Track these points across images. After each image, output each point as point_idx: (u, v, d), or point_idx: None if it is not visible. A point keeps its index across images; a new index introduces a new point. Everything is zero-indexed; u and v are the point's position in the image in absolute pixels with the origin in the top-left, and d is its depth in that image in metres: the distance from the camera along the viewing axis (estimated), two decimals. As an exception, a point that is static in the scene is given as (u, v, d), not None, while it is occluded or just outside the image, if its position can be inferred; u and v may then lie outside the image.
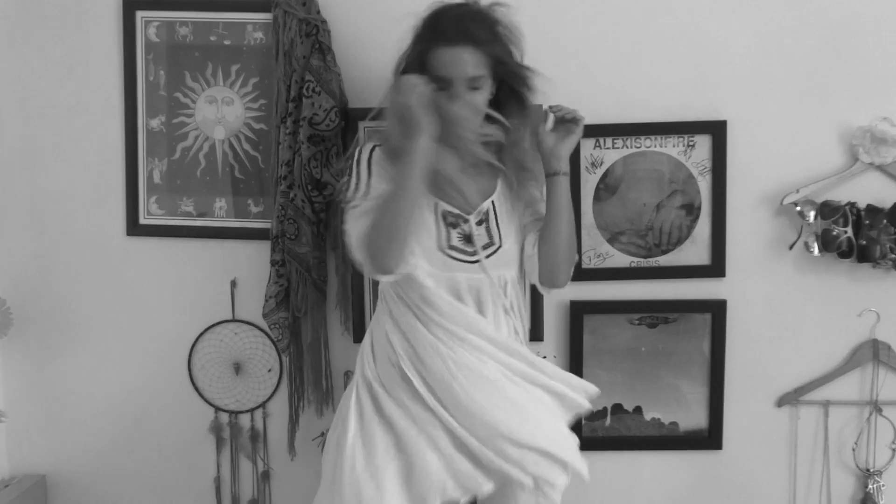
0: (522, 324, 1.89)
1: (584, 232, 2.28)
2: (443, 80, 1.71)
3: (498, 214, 1.83)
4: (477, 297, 1.79)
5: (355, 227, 1.74)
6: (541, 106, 1.85)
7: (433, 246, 1.78)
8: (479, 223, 1.81)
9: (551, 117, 1.82)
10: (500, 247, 1.81)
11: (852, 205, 2.20)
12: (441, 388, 1.73)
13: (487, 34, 1.73)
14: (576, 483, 1.86)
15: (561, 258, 1.82)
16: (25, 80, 2.37)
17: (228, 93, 2.34)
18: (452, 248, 1.79)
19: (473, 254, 1.79)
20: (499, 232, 1.82)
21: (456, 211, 1.80)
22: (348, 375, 2.37)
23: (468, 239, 1.79)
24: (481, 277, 1.79)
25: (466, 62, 1.70)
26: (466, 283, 1.78)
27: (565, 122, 1.82)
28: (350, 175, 1.80)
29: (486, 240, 1.81)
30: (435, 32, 1.73)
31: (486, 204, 1.82)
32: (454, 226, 1.80)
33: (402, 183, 1.69)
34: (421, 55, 1.74)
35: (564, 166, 1.80)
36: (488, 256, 1.80)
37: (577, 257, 1.90)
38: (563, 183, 1.80)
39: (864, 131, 2.18)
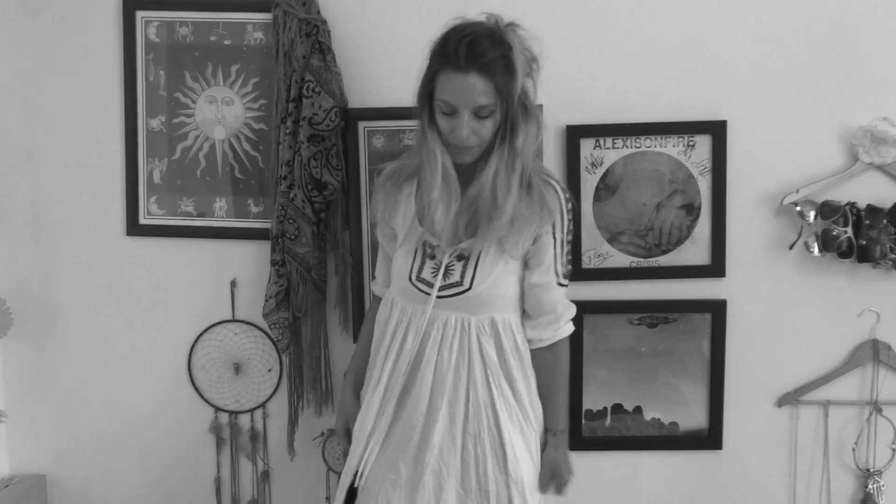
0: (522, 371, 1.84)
1: (584, 232, 2.28)
2: (448, 106, 1.64)
3: (487, 260, 1.77)
4: (423, 332, 1.79)
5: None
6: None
7: (405, 275, 1.82)
8: (460, 258, 1.78)
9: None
10: (467, 290, 1.78)
11: (852, 205, 2.20)
12: None
13: (499, 62, 1.62)
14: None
15: None
16: (25, 80, 2.37)
17: (228, 93, 2.34)
18: (421, 280, 1.80)
19: (432, 287, 1.78)
20: (473, 276, 1.77)
21: (436, 243, 1.78)
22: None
23: (438, 271, 1.79)
24: (436, 313, 1.79)
25: (474, 91, 1.61)
26: (422, 314, 1.80)
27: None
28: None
29: (457, 278, 1.78)
30: (443, 56, 1.63)
31: (476, 244, 1.75)
32: (432, 257, 1.81)
33: None
34: (430, 79, 1.67)
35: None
36: (449, 296, 1.78)
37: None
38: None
39: (864, 131, 2.18)
